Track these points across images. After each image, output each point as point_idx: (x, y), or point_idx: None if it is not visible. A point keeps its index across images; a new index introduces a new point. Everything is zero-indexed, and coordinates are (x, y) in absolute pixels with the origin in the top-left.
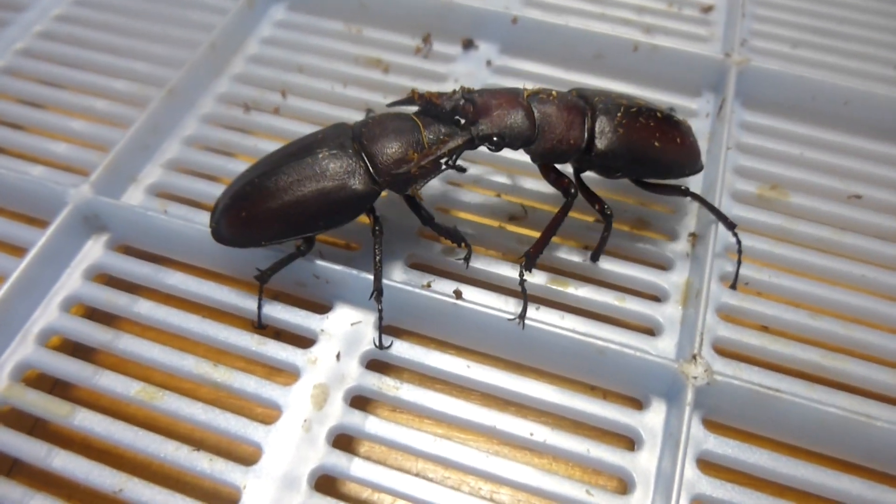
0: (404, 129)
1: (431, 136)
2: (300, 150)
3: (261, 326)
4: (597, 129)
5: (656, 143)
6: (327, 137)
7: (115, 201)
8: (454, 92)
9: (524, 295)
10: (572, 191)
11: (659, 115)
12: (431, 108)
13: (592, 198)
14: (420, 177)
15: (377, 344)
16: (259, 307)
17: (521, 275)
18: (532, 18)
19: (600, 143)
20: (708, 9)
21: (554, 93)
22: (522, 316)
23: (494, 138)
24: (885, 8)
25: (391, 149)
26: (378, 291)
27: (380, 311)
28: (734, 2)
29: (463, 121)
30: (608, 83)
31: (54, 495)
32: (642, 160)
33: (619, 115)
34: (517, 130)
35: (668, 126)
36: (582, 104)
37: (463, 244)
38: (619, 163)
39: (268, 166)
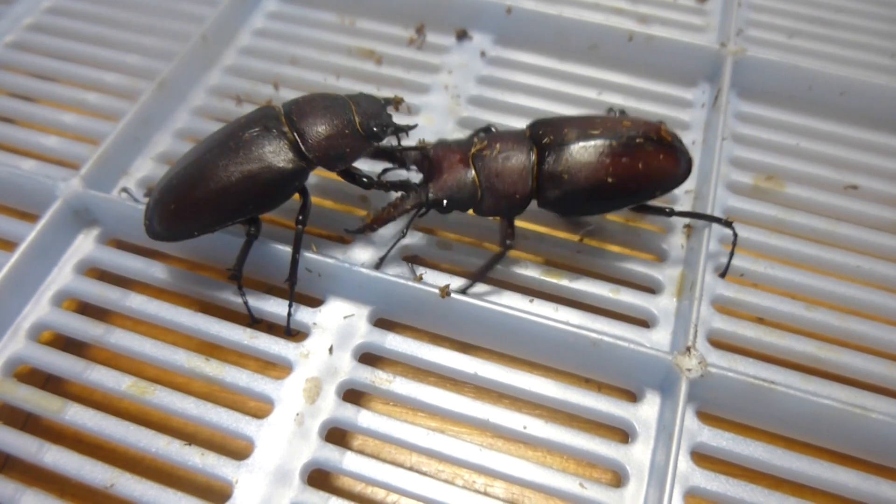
0: (335, 106)
1: (361, 119)
2: (225, 136)
3: (254, 321)
4: (544, 177)
5: (609, 180)
6: (252, 120)
7: (105, 195)
8: (415, 148)
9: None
10: (508, 242)
11: (613, 143)
12: (393, 161)
13: (507, 227)
14: (350, 154)
15: (287, 328)
16: (245, 303)
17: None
18: (526, 9)
19: (548, 192)
20: None
21: (498, 146)
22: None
23: (443, 203)
24: None
25: (322, 125)
26: (292, 282)
27: (292, 293)
28: None
29: (421, 176)
30: (603, 73)
31: (46, 490)
32: (599, 200)
33: (565, 157)
34: (461, 195)
35: (626, 154)
36: (528, 150)
37: (413, 191)
38: (572, 208)
39: (193, 156)
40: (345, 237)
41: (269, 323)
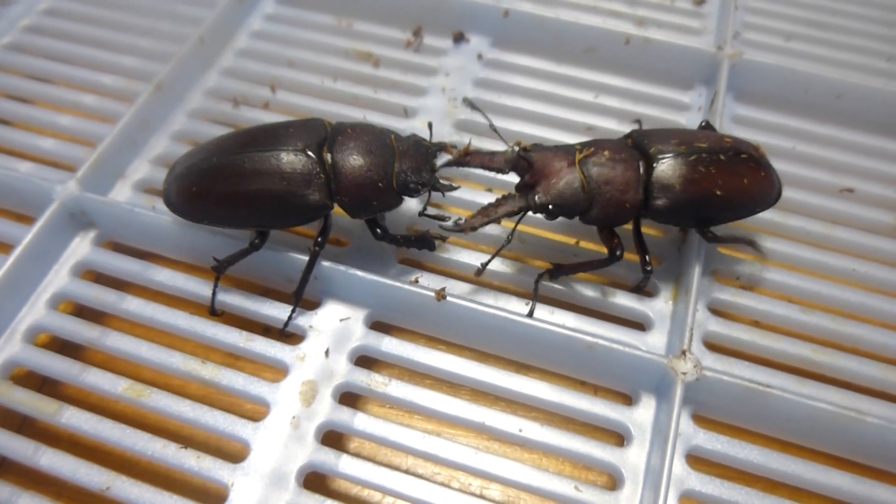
0: (379, 152)
1: (400, 172)
2: (266, 139)
3: (213, 313)
4: (654, 186)
5: (718, 192)
6: (297, 133)
7: (102, 198)
8: (508, 150)
9: (535, 295)
10: (618, 252)
11: (722, 157)
12: (485, 166)
13: (641, 249)
14: (376, 208)
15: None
16: (213, 295)
17: (540, 279)
18: (523, 11)
19: (658, 201)
20: (700, 1)
21: (606, 153)
22: (530, 313)
23: (550, 207)
24: (878, 0)
25: (358, 171)
26: (297, 299)
27: (295, 307)
28: None
29: (518, 179)
30: (600, 76)
31: (42, 494)
32: (704, 212)
33: (676, 166)
34: (571, 201)
35: (733, 168)
36: (636, 158)
37: (431, 243)
38: (679, 218)
39: (231, 147)
40: (341, 239)
41: (266, 326)
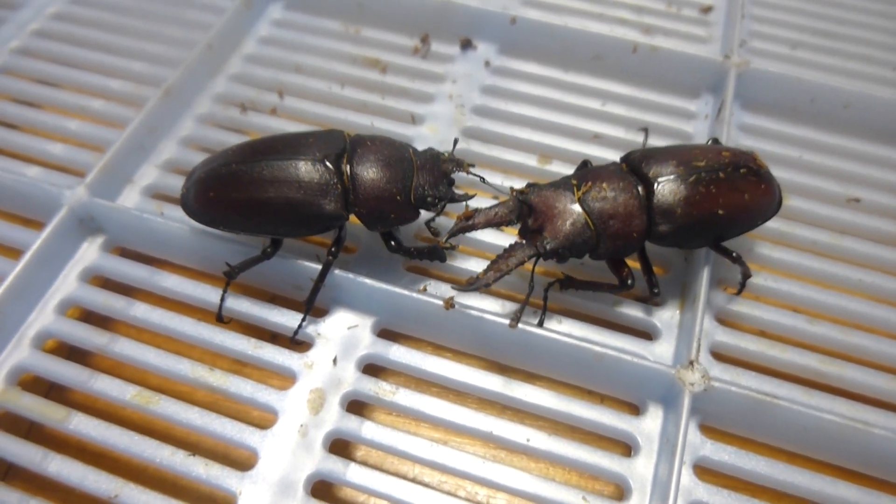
0: (399, 165)
1: (418, 186)
2: (285, 148)
3: (220, 319)
4: (655, 212)
5: (720, 212)
6: (316, 143)
7: (110, 203)
8: (508, 199)
9: (544, 304)
10: (629, 282)
11: (721, 175)
12: (491, 223)
13: (648, 272)
14: (393, 221)
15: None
16: (222, 300)
17: (550, 287)
18: (531, 19)
19: (661, 227)
20: (707, 9)
21: (604, 185)
22: (540, 322)
23: (560, 251)
24: (885, 9)
25: (377, 183)
26: (308, 307)
27: (305, 314)
28: (734, 2)
29: (521, 224)
30: (607, 84)
31: (49, 500)
32: (708, 233)
33: (676, 190)
34: (580, 242)
35: (733, 185)
36: (635, 185)
37: (442, 254)
38: (682, 241)
39: (250, 154)
40: (349, 246)
41: (273, 333)
